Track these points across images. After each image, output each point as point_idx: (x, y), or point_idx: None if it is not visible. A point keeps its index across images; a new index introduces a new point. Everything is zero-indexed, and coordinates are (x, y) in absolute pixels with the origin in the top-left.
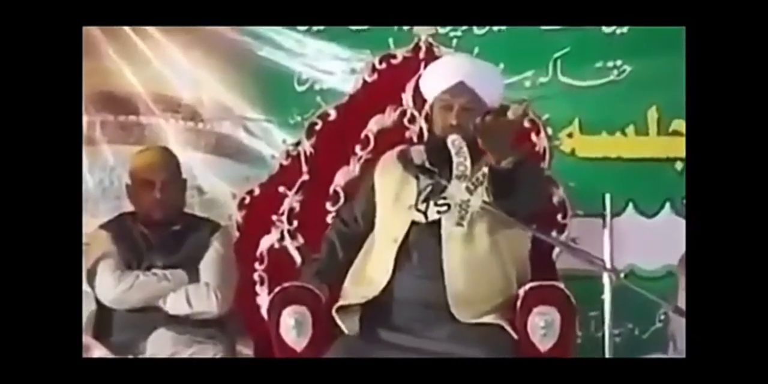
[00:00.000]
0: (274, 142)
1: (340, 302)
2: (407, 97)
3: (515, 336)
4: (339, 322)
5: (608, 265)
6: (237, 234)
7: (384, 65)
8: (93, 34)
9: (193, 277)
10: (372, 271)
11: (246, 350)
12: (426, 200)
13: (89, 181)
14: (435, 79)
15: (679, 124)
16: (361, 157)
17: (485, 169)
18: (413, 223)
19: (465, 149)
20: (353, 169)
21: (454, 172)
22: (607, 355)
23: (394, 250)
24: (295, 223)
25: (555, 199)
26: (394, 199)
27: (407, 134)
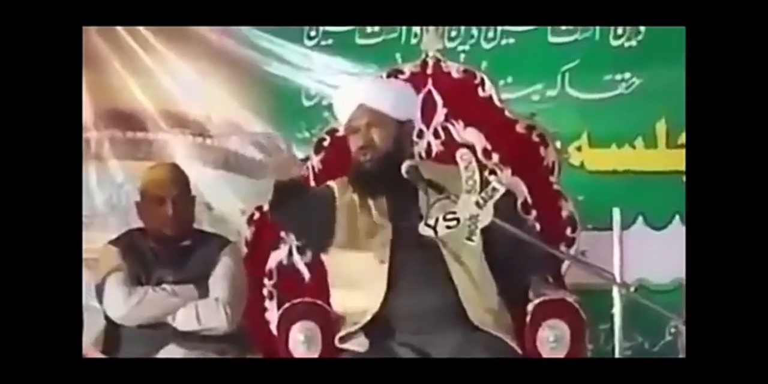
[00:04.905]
0: None
1: (341, 333)
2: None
3: (519, 351)
4: (347, 347)
5: (618, 279)
6: (246, 250)
7: None
8: (98, 48)
9: (203, 292)
10: (362, 298)
11: None
12: (435, 215)
13: (98, 197)
14: (339, 111)
15: None
16: None
17: (495, 184)
18: (393, 239)
19: (474, 164)
20: None
21: (464, 186)
22: None
23: (384, 272)
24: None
25: (564, 213)
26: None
27: (415, 149)
